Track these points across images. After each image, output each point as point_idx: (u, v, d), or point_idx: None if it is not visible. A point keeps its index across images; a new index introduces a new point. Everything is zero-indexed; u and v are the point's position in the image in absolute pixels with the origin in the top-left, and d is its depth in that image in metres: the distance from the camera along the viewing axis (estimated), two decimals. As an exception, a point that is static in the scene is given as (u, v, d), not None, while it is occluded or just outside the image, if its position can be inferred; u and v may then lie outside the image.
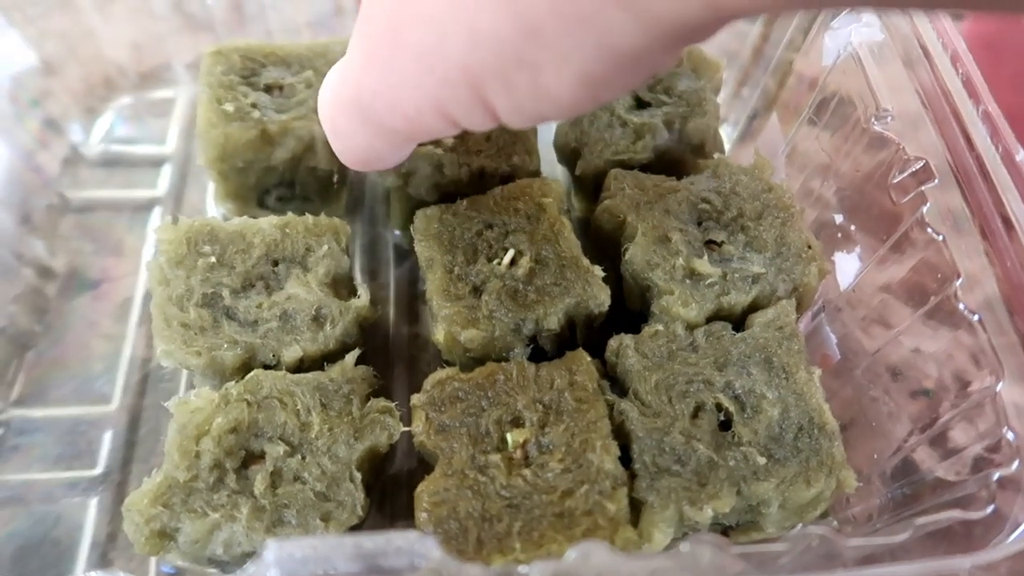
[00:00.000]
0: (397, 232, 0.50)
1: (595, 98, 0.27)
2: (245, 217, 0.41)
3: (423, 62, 0.27)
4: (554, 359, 0.37)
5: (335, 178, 0.48)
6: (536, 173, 0.45)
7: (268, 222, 0.41)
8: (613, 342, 0.37)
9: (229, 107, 0.44)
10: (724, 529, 0.37)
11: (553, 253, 0.39)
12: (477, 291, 0.38)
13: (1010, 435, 0.31)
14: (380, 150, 0.34)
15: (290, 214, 0.41)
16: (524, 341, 0.38)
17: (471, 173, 0.44)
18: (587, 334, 0.40)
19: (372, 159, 0.35)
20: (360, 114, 0.32)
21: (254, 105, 0.45)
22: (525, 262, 0.39)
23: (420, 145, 0.42)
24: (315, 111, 0.44)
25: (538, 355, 0.38)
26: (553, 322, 0.37)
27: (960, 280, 0.36)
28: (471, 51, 0.26)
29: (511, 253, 0.39)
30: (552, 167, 0.51)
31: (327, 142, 0.44)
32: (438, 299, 0.38)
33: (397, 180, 0.44)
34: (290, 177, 0.47)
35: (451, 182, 0.44)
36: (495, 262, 0.39)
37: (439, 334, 0.37)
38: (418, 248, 0.40)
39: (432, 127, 0.30)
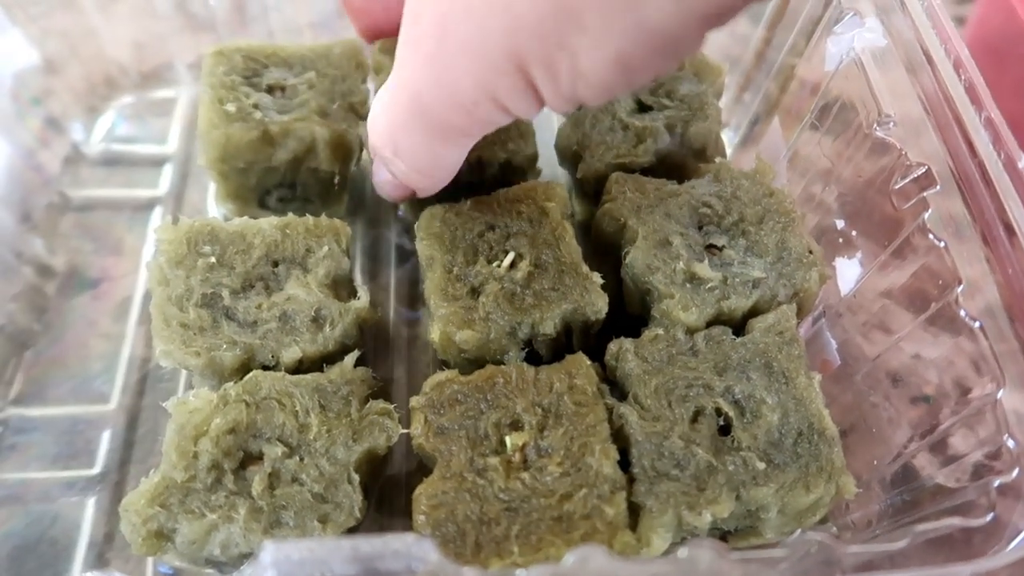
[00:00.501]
0: (398, 234, 0.50)
1: (629, 81, 0.28)
2: (245, 218, 0.41)
3: (472, 52, 0.28)
4: (550, 364, 0.37)
5: (336, 180, 0.48)
6: (534, 158, 0.46)
7: (268, 223, 0.40)
8: (613, 346, 0.37)
9: (231, 107, 0.44)
10: (723, 534, 0.37)
11: (553, 258, 0.39)
12: (475, 292, 0.38)
13: (1011, 442, 0.31)
14: (444, 155, 0.35)
15: (291, 215, 0.41)
16: (519, 345, 0.38)
17: (469, 164, 0.43)
18: (584, 340, 0.40)
19: (437, 169, 0.36)
20: (420, 120, 0.32)
21: (256, 106, 0.45)
22: (524, 265, 0.39)
23: None
24: (316, 112, 0.45)
25: (534, 360, 0.38)
26: (549, 327, 0.37)
27: (961, 287, 0.36)
28: (513, 36, 0.27)
29: (511, 256, 0.39)
30: (554, 169, 0.50)
31: (328, 143, 0.44)
32: (436, 298, 0.38)
33: None
34: (291, 178, 0.47)
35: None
36: (495, 264, 0.39)
37: (435, 333, 0.37)
38: (419, 247, 0.40)
39: (489, 118, 0.31)
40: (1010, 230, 0.35)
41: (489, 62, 0.28)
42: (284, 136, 0.44)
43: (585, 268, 0.39)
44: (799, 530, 0.35)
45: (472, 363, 0.38)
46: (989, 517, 0.28)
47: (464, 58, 0.28)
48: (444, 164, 0.36)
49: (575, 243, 0.40)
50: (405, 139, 0.34)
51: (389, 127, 0.34)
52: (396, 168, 0.36)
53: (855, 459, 0.39)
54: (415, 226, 0.41)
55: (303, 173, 0.46)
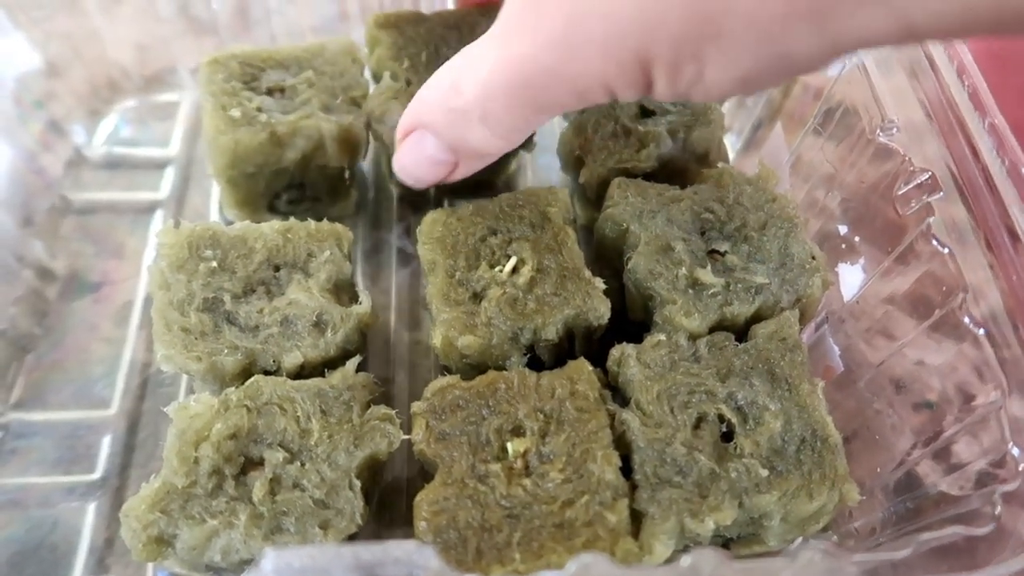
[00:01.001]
0: (398, 237, 0.50)
1: (745, 92, 0.31)
2: (247, 222, 0.41)
3: (601, 46, 0.29)
4: (552, 369, 0.37)
5: (346, 174, 0.48)
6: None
7: (270, 227, 0.40)
8: (615, 351, 0.37)
9: (235, 113, 0.44)
10: (725, 541, 0.37)
11: (555, 263, 0.39)
12: (477, 297, 0.38)
13: (1015, 451, 0.30)
14: (534, 124, 0.35)
15: (292, 219, 0.41)
16: (521, 350, 0.38)
17: None
18: (586, 346, 0.40)
19: (521, 136, 0.36)
20: (526, 93, 0.32)
21: (259, 109, 0.45)
22: (527, 270, 0.39)
23: None
24: (321, 109, 0.45)
25: (536, 365, 0.38)
26: (551, 332, 0.37)
27: (965, 293, 0.36)
28: (648, 38, 0.28)
29: (513, 261, 0.39)
30: (556, 174, 0.50)
31: (336, 138, 0.44)
32: (438, 303, 0.38)
33: None
34: (300, 178, 0.47)
35: None
36: (497, 269, 0.39)
37: (437, 339, 0.37)
38: (421, 251, 0.40)
39: (594, 100, 0.32)
40: (1014, 236, 0.35)
41: (616, 57, 0.29)
42: (292, 135, 0.44)
43: (587, 273, 0.39)
44: (801, 537, 0.35)
45: (474, 368, 0.38)
46: (993, 526, 0.28)
47: (591, 49, 0.29)
48: (527, 131, 0.36)
49: (577, 248, 0.40)
50: (501, 108, 0.33)
51: (484, 94, 0.33)
52: (473, 135, 0.35)
53: (858, 466, 0.39)
54: (417, 230, 0.41)
55: (312, 172, 0.46)
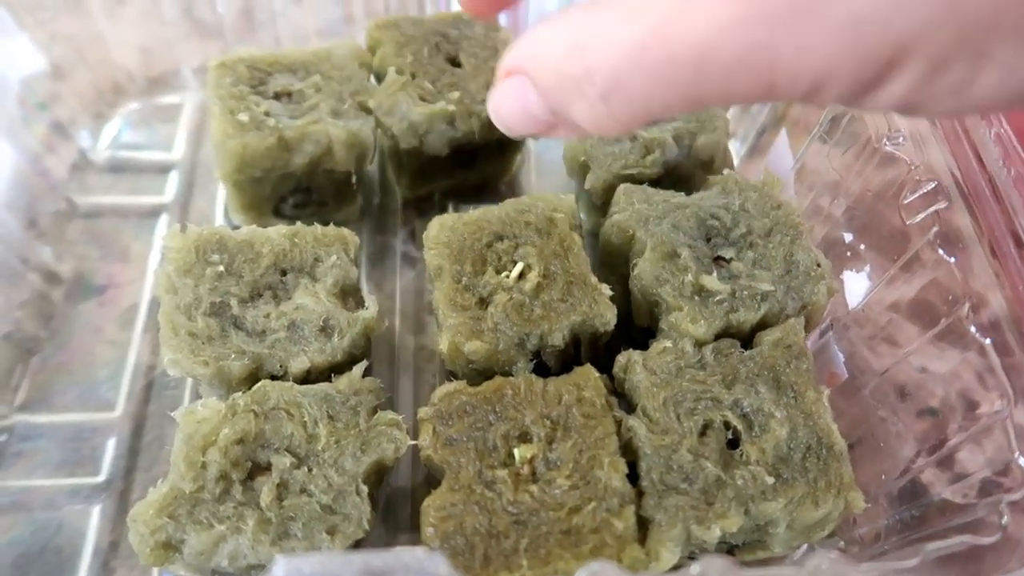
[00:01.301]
0: (403, 241, 0.50)
1: (1008, 109, 0.26)
2: (254, 226, 0.41)
3: (850, 29, 0.23)
4: (558, 375, 0.37)
5: (353, 179, 0.48)
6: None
7: (277, 231, 0.40)
8: (621, 358, 0.37)
9: (243, 117, 0.44)
10: (730, 548, 0.37)
11: (561, 269, 0.39)
12: (484, 303, 0.38)
13: (1021, 460, 0.31)
14: (659, 117, 0.31)
15: (299, 224, 0.41)
16: (528, 355, 0.38)
17: (481, 123, 0.45)
18: (592, 352, 0.40)
19: (635, 127, 0.31)
20: (687, 78, 0.26)
21: (267, 113, 0.45)
22: (533, 276, 0.39)
23: (425, 101, 0.46)
24: (329, 114, 0.45)
25: (542, 371, 0.38)
26: (558, 338, 0.37)
27: (970, 301, 0.36)
28: (926, 26, 0.23)
29: (520, 266, 0.39)
30: (562, 179, 0.50)
31: (344, 143, 0.44)
32: (444, 308, 0.38)
33: (413, 140, 0.46)
34: (307, 183, 0.47)
35: (464, 135, 0.46)
36: (503, 275, 0.39)
37: (443, 344, 0.37)
38: (427, 256, 0.40)
39: (777, 96, 0.26)
40: (1019, 244, 0.35)
41: (862, 44, 0.23)
42: (300, 140, 0.44)
43: (594, 280, 0.39)
44: (806, 544, 0.35)
45: (480, 373, 0.38)
46: (1000, 535, 0.28)
47: (824, 31, 0.23)
48: (652, 120, 0.31)
49: (583, 254, 0.40)
50: (640, 90, 0.27)
51: (618, 70, 0.27)
52: (585, 109, 0.29)
53: (862, 472, 0.39)
54: (423, 236, 0.41)
55: (318, 176, 0.47)
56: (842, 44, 0.23)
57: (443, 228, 0.41)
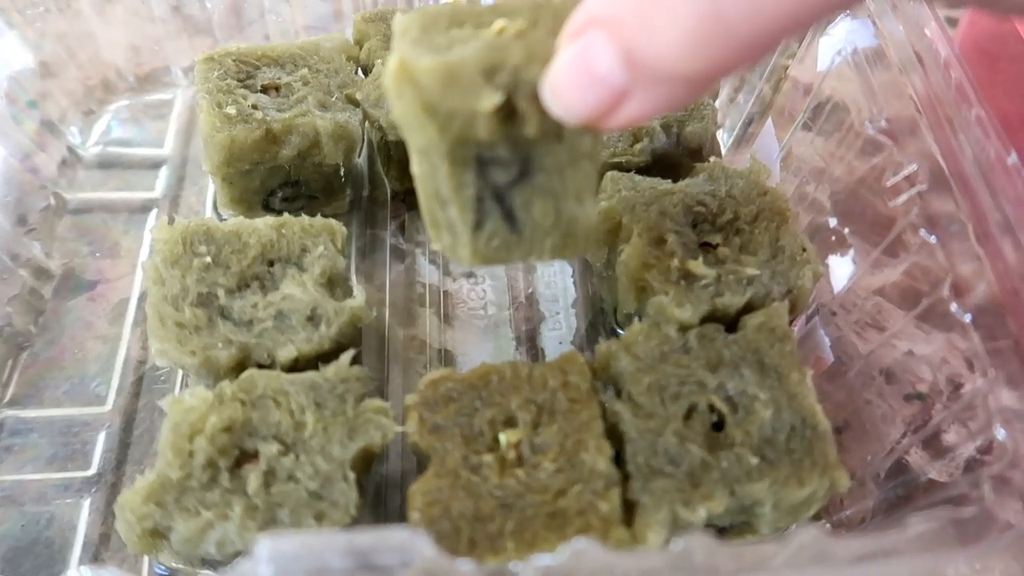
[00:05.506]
0: (392, 234, 0.50)
1: None
2: (241, 217, 0.41)
3: None
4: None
5: (342, 172, 0.48)
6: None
7: (264, 222, 0.41)
8: (602, 347, 0.37)
9: (231, 110, 0.44)
10: (718, 531, 0.37)
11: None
12: None
13: (1001, 435, 0.31)
14: (767, 48, 0.23)
15: (286, 215, 0.41)
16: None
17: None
18: None
19: (730, 64, 0.23)
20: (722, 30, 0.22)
21: (255, 106, 0.45)
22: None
23: None
24: (316, 106, 0.45)
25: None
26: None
27: (953, 283, 0.36)
28: None
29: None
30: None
31: (332, 135, 0.44)
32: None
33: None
34: (295, 176, 0.47)
35: None
36: None
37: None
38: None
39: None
40: (1002, 227, 0.36)
41: None
42: (287, 133, 0.44)
43: None
44: (794, 525, 0.35)
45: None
46: (981, 509, 0.28)
47: None
48: (753, 55, 0.23)
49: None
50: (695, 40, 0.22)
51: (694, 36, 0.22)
52: (668, 39, 0.22)
53: (850, 456, 0.39)
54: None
55: (307, 169, 0.47)
56: None
57: (414, 12, 0.30)
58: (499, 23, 0.28)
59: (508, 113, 0.27)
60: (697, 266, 0.38)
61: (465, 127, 0.27)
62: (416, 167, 0.30)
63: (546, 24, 0.27)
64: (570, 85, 0.25)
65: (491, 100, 0.26)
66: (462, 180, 0.29)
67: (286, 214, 0.41)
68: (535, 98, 0.26)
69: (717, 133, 0.48)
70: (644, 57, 0.23)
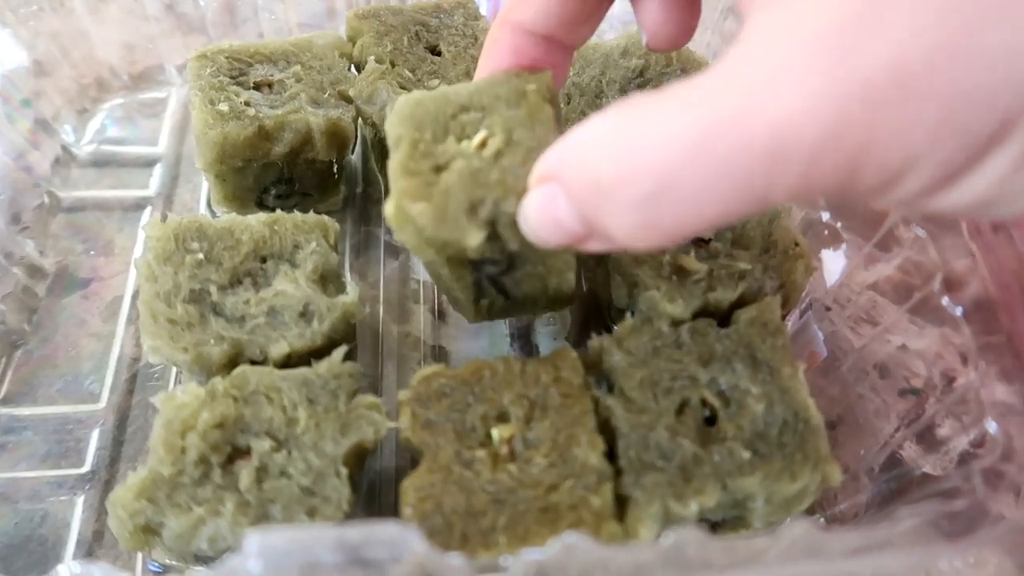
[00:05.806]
0: (387, 231, 0.50)
1: None
2: (233, 214, 0.41)
3: (948, 104, 0.21)
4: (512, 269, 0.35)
5: (335, 169, 0.48)
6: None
7: (256, 219, 0.41)
8: (595, 342, 0.37)
9: (224, 107, 0.44)
10: (712, 525, 0.37)
11: (526, 137, 0.33)
12: (439, 169, 0.33)
13: (993, 429, 0.31)
14: (714, 226, 0.25)
15: (279, 211, 0.41)
16: (481, 226, 0.31)
17: None
18: None
19: (682, 238, 0.26)
20: (767, 160, 0.22)
21: (247, 103, 0.45)
22: (494, 143, 0.33)
23: (405, 89, 0.44)
24: (309, 103, 0.45)
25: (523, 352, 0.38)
26: (512, 205, 0.31)
27: (946, 278, 0.36)
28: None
29: (482, 134, 0.34)
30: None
31: (324, 131, 0.44)
32: (396, 175, 0.33)
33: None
34: (289, 173, 0.47)
35: None
36: (463, 143, 0.34)
37: (389, 207, 0.32)
38: (388, 127, 0.35)
39: (848, 194, 0.24)
40: (994, 222, 0.36)
41: (964, 121, 0.21)
42: (280, 129, 0.44)
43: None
44: (788, 519, 0.35)
45: (440, 252, 0.33)
46: (973, 502, 0.28)
47: (926, 109, 0.21)
48: (688, 234, 0.25)
49: (554, 125, 0.34)
50: (698, 182, 0.23)
51: (674, 161, 0.23)
52: (620, 220, 0.25)
53: (843, 451, 0.39)
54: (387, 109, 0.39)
55: (300, 166, 0.47)
56: (943, 120, 0.21)
57: (408, 101, 0.35)
58: (480, 135, 0.33)
59: (493, 233, 0.31)
60: (689, 261, 0.38)
61: (458, 250, 0.31)
62: (422, 262, 0.36)
63: (521, 141, 0.32)
64: (538, 225, 0.29)
65: (476, 238, 0.31)
66: (461, 274, 0.35)
67: (279, 211, 0.41)
68: (514, 224, 0.31)
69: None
70: (595, 223, 0.26)
